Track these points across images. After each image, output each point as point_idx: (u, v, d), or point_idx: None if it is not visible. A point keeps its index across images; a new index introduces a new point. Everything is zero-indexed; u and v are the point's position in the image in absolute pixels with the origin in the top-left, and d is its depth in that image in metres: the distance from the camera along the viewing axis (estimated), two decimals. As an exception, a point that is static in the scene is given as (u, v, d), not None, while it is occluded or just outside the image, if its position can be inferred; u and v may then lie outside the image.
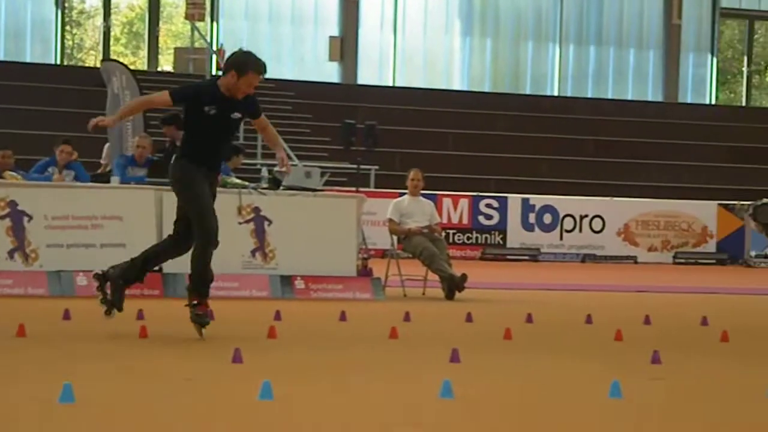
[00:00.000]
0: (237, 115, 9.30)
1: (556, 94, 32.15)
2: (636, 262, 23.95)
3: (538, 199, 24.23)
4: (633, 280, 18.90)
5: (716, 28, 33.61)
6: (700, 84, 33.93)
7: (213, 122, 9.18)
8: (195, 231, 9.22)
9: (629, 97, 32.81)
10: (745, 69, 34.61)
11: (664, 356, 8.58)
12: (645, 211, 24.43)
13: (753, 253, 24.15)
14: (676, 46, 32.37)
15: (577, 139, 28.59)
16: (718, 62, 34.01)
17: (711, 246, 24.60)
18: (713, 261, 24.30)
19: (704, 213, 24.62)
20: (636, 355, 8.87)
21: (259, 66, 9.24)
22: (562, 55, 32.61)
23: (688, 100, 33.31)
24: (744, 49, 34.80)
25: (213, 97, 9.20)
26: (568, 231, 24.03)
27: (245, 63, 9.22)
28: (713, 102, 33.76)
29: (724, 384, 7.85)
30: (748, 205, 24.36)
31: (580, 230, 24.01)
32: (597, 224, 24.03)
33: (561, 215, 24.07)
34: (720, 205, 24.83)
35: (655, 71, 33.07)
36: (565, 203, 24.20)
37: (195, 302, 9.37)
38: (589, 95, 32.53)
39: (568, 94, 32.27)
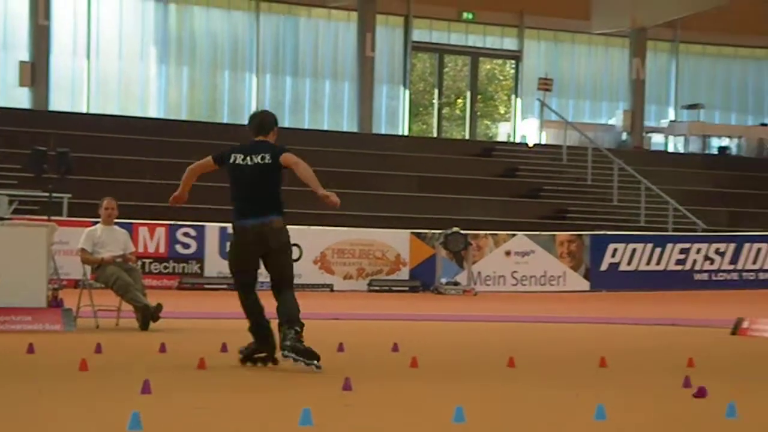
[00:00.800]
0: None
1: (254, 123, 32.20)
2: (332, 290, 24.23)
3: (235, 228, 24.18)
4: (328, 308, 19.10)
5: (408, 61, 34.55)
6: (394, 115, 34.76)
7: None
8: (289, 281, 10.54)
9: (325, 128, 33.27)
10: (435, 101, 35.69)
11: (356, 383, 8.69)
12: (341, 239, 24.78)
13: (443, 281, 24.84)
14: (370, 78, 33.04)
15: (275, 168, 28.73)
16: (410, 94, 34.94)
17: (404, 273, 25.16)
18: (406, 288, 24.85)
19: (398, 241, 25.18)
20: (328, 383, 8.96)
21: None
22: (259, 85, 32.79)
23: (382, 131, 34.05)
24: (435, 82, 35.90)
25: None
26: (265, 260, 24.08)
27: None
28: (406, 133, 34.63)
29: (412, 409, 8.02)
30: (440, 233, 25.06)
31: (275, 257, 24.09)
32: (294, 253, 24.18)
33: (258, 244, 24.09)
34: (413, 233, 25.45)
35: (350, 102, 33.67)
36: (262, 232, 24.22)
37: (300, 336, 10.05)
38: (287, 125, 32.78)
39: (266, 124, 32.39)
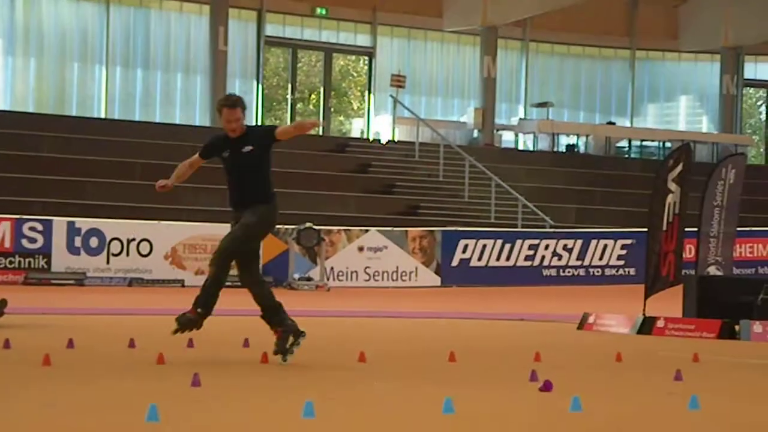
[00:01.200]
0: (247, 148, 10.52)
1: (103, 116, 31.78)
2: (183, 285, 24.00)
3: (84, 222, 23.84)
4: (179, 304, 18.84)
5: (261, 55, 34.42)
6: (247, 110, 34.53)
7: (230, 164, 10.61)
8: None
9: (177, 121, 32.92)
10: (289, 96, 35.62)
11: (205, 378, 8.63)
12: (192, 234, 24.56)
13: (296, 276, 24.82)
14: (223, 72, 32.80)
15: (125, 162, 28.36)
16: (263, 89, 34.82)
17: (256, 269, 25.04)
18: (258, 283, 24.71)
19: (250, 236, 25.01)
20: (178, 378, 8.88)
21: (227, 100, 10.54)
22: (108, 78, 32.30)
23: (238, 126, 33.79)
24: (288, 77, 35.82)
25: (224, 142, 10.62)
26: (115, 255, 23.78)
27: (218, 102, 10.61)
28: (259, 128, 34.46)
29: (261, 405, 7.99)
30: (293, 229, 25.03)
31: (128, 254, 23.82)
32: (144, 248, 23.92)
33: (108, 239, 23.80)
34: (265, 228, 25.33)
35: (202, 96, 33.39)
36: (112, 227, 23.95)
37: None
38: (137, 118, 32.38)
39: (116, 117, 31.99)
